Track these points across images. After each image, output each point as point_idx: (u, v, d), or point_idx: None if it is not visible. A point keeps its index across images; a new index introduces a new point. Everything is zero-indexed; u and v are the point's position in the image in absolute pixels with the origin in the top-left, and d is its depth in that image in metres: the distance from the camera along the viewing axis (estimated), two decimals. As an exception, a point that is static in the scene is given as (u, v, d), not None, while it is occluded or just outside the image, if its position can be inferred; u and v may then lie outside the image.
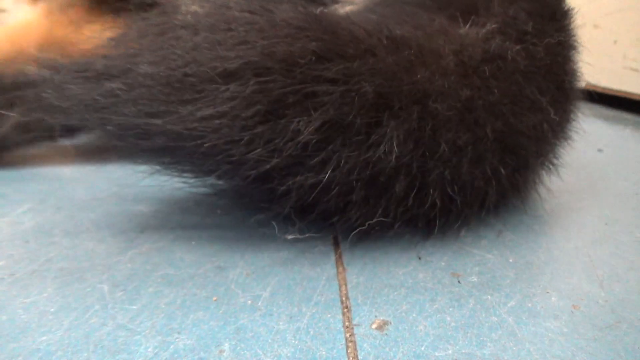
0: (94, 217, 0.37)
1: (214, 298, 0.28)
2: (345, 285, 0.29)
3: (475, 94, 0.32)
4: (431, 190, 0.31)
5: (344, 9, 0.45)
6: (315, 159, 0.28)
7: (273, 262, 0.31)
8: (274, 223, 0.34)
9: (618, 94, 0.88)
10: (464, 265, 0.32)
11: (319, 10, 0.31)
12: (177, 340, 0.24)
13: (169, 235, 0.35)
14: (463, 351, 0.24)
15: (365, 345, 0.24)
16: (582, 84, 0.46)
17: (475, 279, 0.30)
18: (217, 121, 0.27)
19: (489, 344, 0.24)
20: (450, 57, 0.33)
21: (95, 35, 0.36)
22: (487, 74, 0.33)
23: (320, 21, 0.30)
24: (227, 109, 0.27)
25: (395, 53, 0.31)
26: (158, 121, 0.27)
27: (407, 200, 0.31)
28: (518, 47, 0.35)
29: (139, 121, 0.28)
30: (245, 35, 0.28)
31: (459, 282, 0.30)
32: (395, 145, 0.29)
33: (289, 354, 0.23)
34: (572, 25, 0.44)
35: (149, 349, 0.23)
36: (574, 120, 0.44)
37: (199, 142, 0.27)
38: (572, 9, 0.45)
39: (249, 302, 0.27)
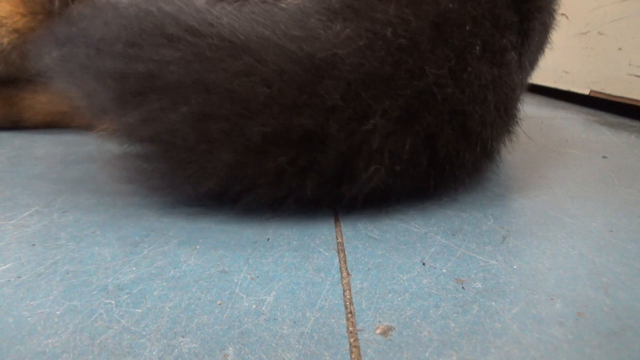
0: (99, 220, 0.37)
1: (219, 302, 0.28)
2: (349, 290, 0.29)
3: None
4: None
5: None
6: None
7: (277, 266, 0.32)
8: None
9: (623, 100, 0.88)
10: (468, 271, 0.32)
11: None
12: (181, 343, 0.24)
13: (174, 239, 0.35)
14: (467, 357, 0.24)
15: (369, 350, 0.24)
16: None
17: (480, 285, 0.30)
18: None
19: (493, 350, 0.24)
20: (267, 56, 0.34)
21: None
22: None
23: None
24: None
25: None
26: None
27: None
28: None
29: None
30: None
31: (463, 288, 0.30)
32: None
33: (293, 359, 0.23)
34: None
35: (154, 353, 0.23)
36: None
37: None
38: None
39: (254, 306, 0.27)
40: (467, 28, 0.40)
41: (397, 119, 0.37)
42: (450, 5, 0.39)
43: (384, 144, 0.37)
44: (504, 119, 0.44)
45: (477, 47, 0.40)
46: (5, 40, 0.56)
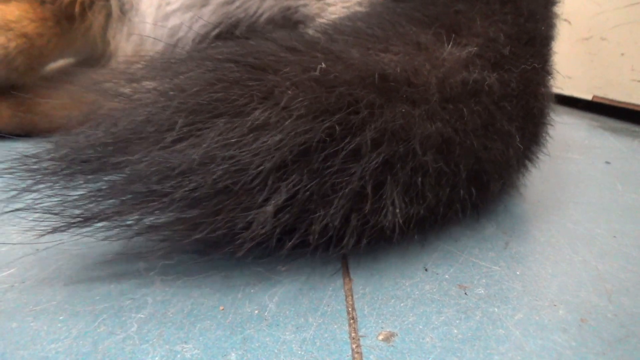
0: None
1: (221, 307, 0.28)
2: (352, 296, 0.29)
3: (454, 133, 0.33)
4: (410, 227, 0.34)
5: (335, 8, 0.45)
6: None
7: (280, 272, 0.32)
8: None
9: (626, 106, 0.88)
10: (470, 277, 0.32)
11: (319, 68, 0.31)
12: (184, 349, 0.24)
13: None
14: (470, 364, 0.24)
15: (371, 356, 0.24)
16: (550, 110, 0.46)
17: (482, 291, 0.30)
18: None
19: (496, 357, 0.24)
20: (435, 94, 0.34)
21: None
22: (466, 109, 0.34)
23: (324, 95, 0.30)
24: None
25: (389, 102, 0.32)
26: None
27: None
28: (495, 75, 0.36)
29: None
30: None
31: (465, 294, 0.30)
32: (397, 207, 0.31)
33: (295, 365, 0.23)
34: (548, 51, 0.45)
35: (156, 358, 0.23)
36: (542, 143, 0.45)
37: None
38: (550, 36, 0.46)
39: (256, 311, 0.27)
40: (548, 47, 0.44)
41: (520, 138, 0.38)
42: (529, 25, 0.42)
43: (516, 161, 0.39)
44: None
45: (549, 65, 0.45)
46: (12, 45, 0.56)
